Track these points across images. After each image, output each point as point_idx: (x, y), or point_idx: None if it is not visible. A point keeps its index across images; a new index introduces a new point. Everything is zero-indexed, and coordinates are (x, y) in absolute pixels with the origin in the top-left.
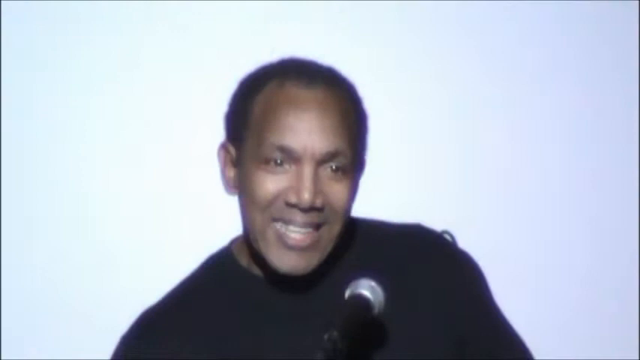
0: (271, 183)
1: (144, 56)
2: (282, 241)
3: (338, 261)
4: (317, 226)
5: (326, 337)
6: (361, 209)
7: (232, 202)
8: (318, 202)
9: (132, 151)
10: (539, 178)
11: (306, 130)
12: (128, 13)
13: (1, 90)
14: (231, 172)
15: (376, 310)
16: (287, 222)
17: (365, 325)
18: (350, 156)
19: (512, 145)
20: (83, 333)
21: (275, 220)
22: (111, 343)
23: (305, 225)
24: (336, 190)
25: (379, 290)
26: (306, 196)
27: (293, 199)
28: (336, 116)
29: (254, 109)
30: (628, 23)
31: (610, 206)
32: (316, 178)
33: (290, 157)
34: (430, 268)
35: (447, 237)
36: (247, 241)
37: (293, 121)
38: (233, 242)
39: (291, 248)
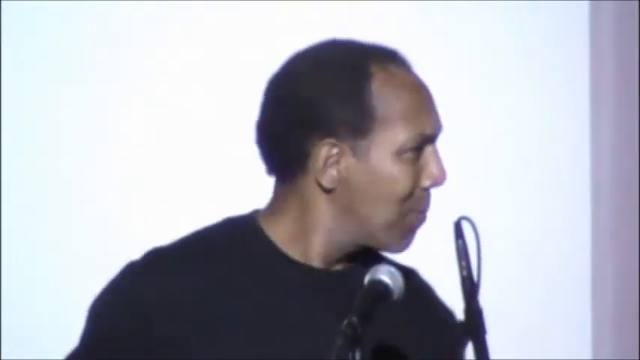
0: (410, 174)
1: (143, 56)
2: (413, 228)
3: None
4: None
5: (345, 322)
6: None
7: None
8: None
9: (133, 151)
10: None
11: (432, 113)
12: (129, 13)
13: (1, 90)
14: (335, 169)
15: (395, 296)
16: (423, 210)
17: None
18: None
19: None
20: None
21: (412, 211)
22: None
23: (428, 208)
24: None
25: (398, 276)
26: (444, 175)
27: (428, 183)
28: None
29: (374, 100)
30: (578, 24)
31: (562, 208)
32: None
33: (425, 142)
34: (423, 313)
35: (467, 224)
36: (296, 224)
37: (421, 105)
38: (256, 214)
39: (415, 231)
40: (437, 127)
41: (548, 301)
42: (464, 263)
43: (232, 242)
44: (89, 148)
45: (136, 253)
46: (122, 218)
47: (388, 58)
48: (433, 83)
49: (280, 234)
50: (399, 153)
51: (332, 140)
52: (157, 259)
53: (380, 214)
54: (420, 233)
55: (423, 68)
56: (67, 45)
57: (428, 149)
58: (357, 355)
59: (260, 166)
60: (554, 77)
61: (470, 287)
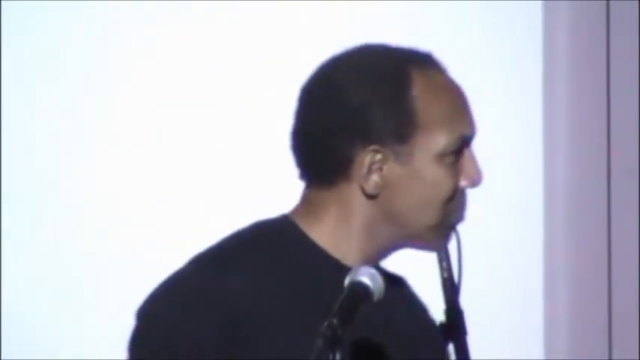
0: (452, 177)
1: (143, 56)
2: (454, 226)
3: None
4: None
5: (326, 323)
6: None
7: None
8: None
9: (132, 151)
10: None
11: (469, 114)
12: (130, 12)
13: (0, 90)
14: (378, 175)
15: (375, 297)
16: (462, 208)
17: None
18: None
19: None
20: (82, 333)
21: (453, 211)
22: (111, 342)
23: (466, 206)
24: None
25: (378, 278)
26: (481, 176)
27: (467, 183)
28: None
29: (415, 105)
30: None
31: (514, 213)
32: None
33: (464, 144)
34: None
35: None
36: (338, 226)
37: (460, 108)
38: (288, 218)
39: (454, 229)
40: (474, 129)
41: (500, 306)
42: (445, 265)
43: (276, 245)
44: (89, 148)
45: (136, 253)
46: (123, 218)
47: (426, 62)
48: None
49: (324, 238)
50: (441, 156)
51: (375, 147)
52: (208, 263)
53: (424, 216)
54: None
55: None
56: (67, 45)
57: (468, 150)
58: (338, 357)
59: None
60: (507, 78)
61: (451, 289)
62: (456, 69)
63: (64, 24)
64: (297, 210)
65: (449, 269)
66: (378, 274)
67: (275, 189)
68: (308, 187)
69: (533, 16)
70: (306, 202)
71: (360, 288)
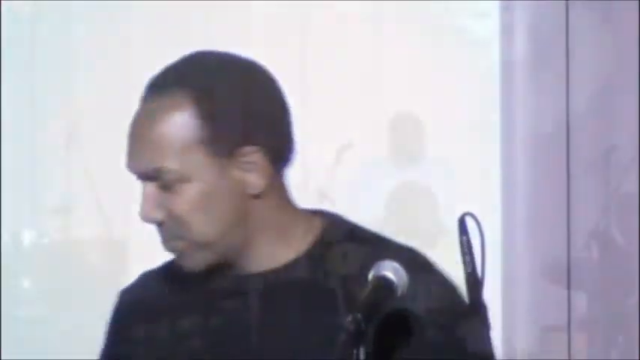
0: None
1: (142, 55)
2: (172, 253)
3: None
4: (178, 236)
5: (349, 318)
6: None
7: None
8: (159, 217)
9: None
10: None
11: (130, 151)
12: (130, 11)
13: (0, 90)
14: None
15: (399, 292)
16: (162, 241)
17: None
18: (177, 170)
19: None
20: (82, 334)
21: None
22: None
23: (166, 238)
24: (175, 203)
25: (402, 272)
26: (142, 214)
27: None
28: (161, 129)
29: None
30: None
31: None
32: (153, 194)
33: (139, 177)
34: (414, 298)
35: (471, 220)
36: None
37: (128, 139)
38: None
39: (177, 256)
40: (132, 167)
41: None
42: (468, 259)
43: None
44: (89, 147)
45: (136, 252)
46: (123, 218)
47: (147, 86)
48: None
49: None
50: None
51: None
52: (140, 276)
53: None
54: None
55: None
56: (68, 45)
57: (143, 185)
58: (362, 351)
59: None
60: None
61: (474, 283)
62: (415, 66)
63: (65, 24)
64: None
65: (472, 263)
66: (401, 268)
67: None
68: None
69: (491, 17)
70: None
71: (384, 282)
